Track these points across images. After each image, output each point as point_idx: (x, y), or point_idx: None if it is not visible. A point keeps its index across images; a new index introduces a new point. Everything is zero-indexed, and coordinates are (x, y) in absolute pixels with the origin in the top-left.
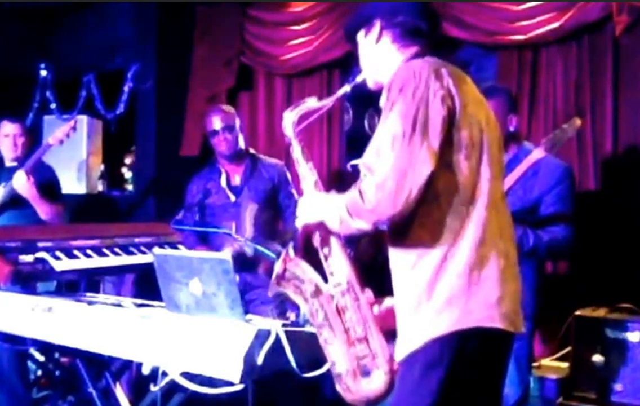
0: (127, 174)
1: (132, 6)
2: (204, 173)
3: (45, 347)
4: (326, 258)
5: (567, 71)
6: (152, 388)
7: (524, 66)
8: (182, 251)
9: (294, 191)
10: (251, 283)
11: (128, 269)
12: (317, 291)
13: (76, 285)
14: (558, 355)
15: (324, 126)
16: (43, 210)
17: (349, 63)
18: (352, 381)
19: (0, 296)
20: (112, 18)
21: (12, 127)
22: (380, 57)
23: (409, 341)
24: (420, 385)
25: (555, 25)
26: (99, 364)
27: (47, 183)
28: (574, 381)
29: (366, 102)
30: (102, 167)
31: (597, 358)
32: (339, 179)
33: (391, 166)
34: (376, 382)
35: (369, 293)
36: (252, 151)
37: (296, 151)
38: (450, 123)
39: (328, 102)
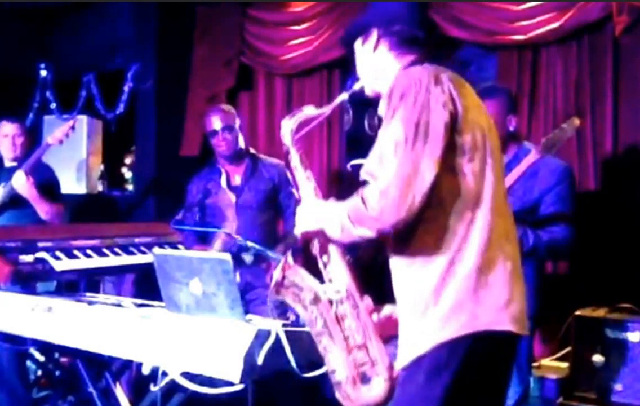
0: (127, 174)
1: (132, 6)
2: (204, 173)
3: (45, 347)
4: (325, 265)
5: (567, 70)
6: (152, 388)
7: (524, 66)
8: (182, 251)
9: (294, 191)
10: (252, 283)
11: (128, 269)
12: (316, 299)
13: (76, 285)
14: (558, 355)
15: (324, 126)
16: (43, 209)
17: (348, 63)
18: (352, 389)
19: (0, 296)
20: (112, 18)
21: (11, 127)
22: (378, 65)
23: (414, 346)
24: (425, 390)
25: (555, 25)
26: (99, 364)
27: (47, 183)
28: (574, 381)
29: (366, 102)
30: (102, 167)
31: (597, 358)
32: (339, 179)
33: (394, 172)
34: (376, 389)
35: (368, 300)
36: (252, 150)
37: (294, 159)
38: (452, 128)
39: (326, 110)
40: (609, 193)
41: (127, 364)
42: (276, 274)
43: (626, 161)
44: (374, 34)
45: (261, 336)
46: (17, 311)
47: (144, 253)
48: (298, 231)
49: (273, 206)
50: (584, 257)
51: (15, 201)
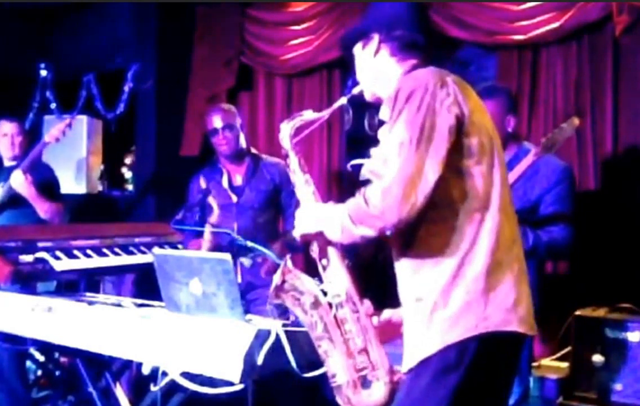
0: (127, 174)
1: (132, 6)
2: (206, 172)
3: (45, 347)
4: (324, 268)
5: (567, 71)
6: (152, 388)
7: (524, 66)
8: (182, 251)
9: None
10: (252, 282)
11: (128, 269)
12: (316, 303)
13: (76, 285)
14: (558, 355)
15: (324, 126)
16: (42, 208)
17: (348, 63)
18: (352, 393)
19: (0, 296)
20: (112, 18)
21: (9, 126)
22: (379, 69)
23: (421, 348)
24: (432, 391)
25: (555, 25)
26: (99, 364)
27: (46, 182)
28: (574, 381)
29: (366, 102)
30: (102, 167)
31: (597, 358)
32: (339, 179)
33: (397, 171)
34: (377, 393)
35: (368, 304)
36: (253, 150)
37: (293, 163)
38: (459, 130)
39: (325, 114)
40: (609, 193)
41: (127, 364)
42: (276, 278)
43: (626, 161)
44: (375, 39)
45: (261, 336)
46: (17, 311)
47: (143, 252)
48: (297, 233)
49: (274, 206)
50: (584, 257)
51: (15, 200)
